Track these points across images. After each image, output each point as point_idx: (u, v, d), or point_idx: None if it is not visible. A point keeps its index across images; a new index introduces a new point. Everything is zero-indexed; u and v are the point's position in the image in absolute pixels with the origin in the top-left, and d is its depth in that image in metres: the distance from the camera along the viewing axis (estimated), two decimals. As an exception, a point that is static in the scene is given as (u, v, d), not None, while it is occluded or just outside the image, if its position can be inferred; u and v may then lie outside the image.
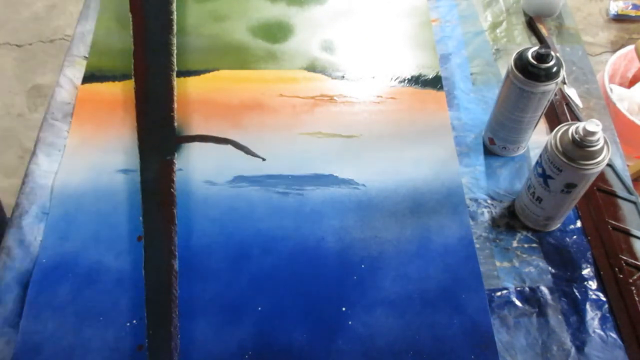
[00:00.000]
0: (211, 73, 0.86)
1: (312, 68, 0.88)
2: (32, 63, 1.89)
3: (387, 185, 0.74)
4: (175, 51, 0.87)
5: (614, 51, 1.61)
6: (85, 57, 0.88)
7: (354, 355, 0.61)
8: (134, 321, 0.63)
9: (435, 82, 0.86)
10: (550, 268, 0.68)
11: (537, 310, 0.65)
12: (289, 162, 0.76)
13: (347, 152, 0.78)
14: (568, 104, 0.83)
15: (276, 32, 0.92)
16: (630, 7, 2.01)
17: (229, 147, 0.78)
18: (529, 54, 0.65)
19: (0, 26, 1.98)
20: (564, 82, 0.86)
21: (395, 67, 0.88)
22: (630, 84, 1.54)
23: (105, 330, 0.62)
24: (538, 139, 0.78)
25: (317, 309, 0.64)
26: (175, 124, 0.80)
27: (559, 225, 0.71)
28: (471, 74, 0.88)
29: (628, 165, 0.86)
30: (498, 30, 0.94)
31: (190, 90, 0.84)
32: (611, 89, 1.43)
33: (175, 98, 0.82)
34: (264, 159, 0.68)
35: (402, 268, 0.67)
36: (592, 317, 0.64)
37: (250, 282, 0.66)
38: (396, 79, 0.87)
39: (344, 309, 0.64)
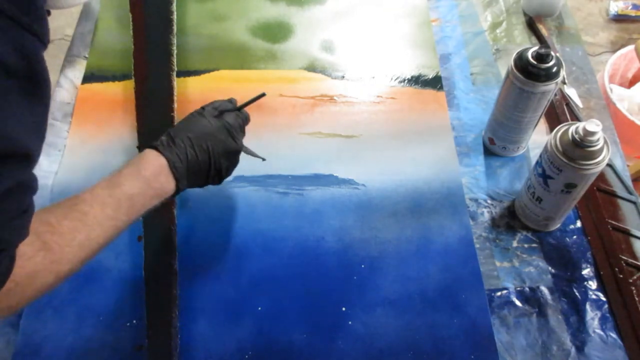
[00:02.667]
0: (211, 73, 0.86)
1: (312, 68, 0.88)
2: (32, 63, 1.89)
3: (387, 185, 0.74)
4: (175, 51, 0.87)
5: (614, 51, 1.61)
6: (85, 57, 0.88)
7: (354, 355, 0.61)
8: (134, 321, 0.63)
9: (435, 82, 0.86)
10: (550, 268, 0.68)
11: (537, 310, 0.65)
12: (289, 162, 0.76)
13: (347, 152, 0.78)
14: (568, 104, 0.83)
15: (276, 32, 0.92)
16: (630, 7, 2.01)
17: (229, 147, 0.77)
18: (529, 54, 0.65)
19: (0, 26, 1.97)
20: (564, 82, 0.86)
21: (395, 67, 0.88)
22: (630, 84, 1.54)
23: (105, 330, 0.62)
24: (538, 139, 0.78)
25: (317, 309, 0.64)
26: (175, 124, 0.80)
27: (559, 225, 0.71)
28: (471, 74, 0.88)
29: (628, 165, 0.86)
30: (498, 30, 0.94)
31: (190, 90, 0.84)
32: (611, 89, 1.43)
33: (175, 98, 0.82)
34: (264, 159, 0.68)
35: (402, 268, 0.67)
36: (592, 317, 0.64)
37: (250, 282, 0.66)
38: (396, 79, 0.87)
39: (344, 309, 0.64)
